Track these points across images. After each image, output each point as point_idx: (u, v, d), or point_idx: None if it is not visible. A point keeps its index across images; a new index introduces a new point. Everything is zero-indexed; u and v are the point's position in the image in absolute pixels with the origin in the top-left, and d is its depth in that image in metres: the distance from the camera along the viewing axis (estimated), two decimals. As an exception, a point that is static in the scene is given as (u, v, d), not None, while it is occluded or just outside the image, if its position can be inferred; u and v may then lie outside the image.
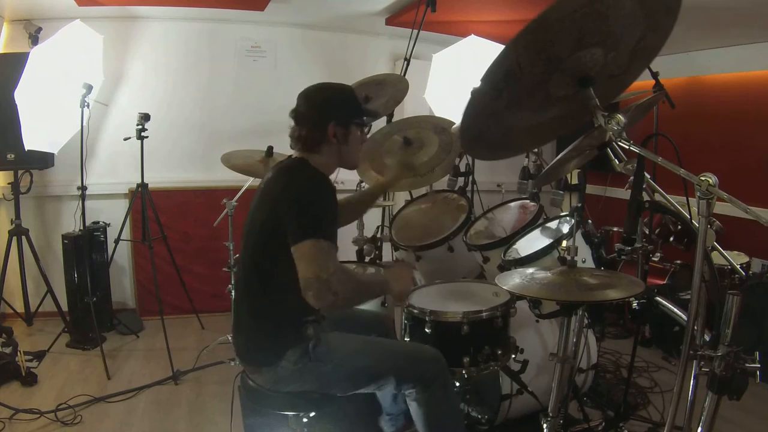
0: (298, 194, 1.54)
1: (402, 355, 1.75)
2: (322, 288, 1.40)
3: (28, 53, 2.97)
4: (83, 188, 3.10)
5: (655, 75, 2.42)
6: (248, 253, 1.64)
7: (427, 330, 1.91)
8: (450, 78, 3.18)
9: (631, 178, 1.59)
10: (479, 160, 2.71)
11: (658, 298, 1.94)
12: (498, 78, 1.21)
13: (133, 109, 3.27)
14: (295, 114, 1.76)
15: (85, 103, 2.93)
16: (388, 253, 2.85)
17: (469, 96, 1.25)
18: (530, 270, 1.64)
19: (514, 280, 1.55)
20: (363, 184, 2.80)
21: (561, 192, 2.22)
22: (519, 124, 1.44)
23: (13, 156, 3.21)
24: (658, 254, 3.31)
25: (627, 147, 1.30)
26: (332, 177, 1.74)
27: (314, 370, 1.63)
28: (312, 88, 1.78)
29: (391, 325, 2.15)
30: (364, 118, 1.80)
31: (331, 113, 1.69)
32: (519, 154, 2.27)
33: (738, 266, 2.52)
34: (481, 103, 1.28)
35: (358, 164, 1.88)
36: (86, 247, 3.40)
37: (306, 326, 1.63)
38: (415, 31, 2.95)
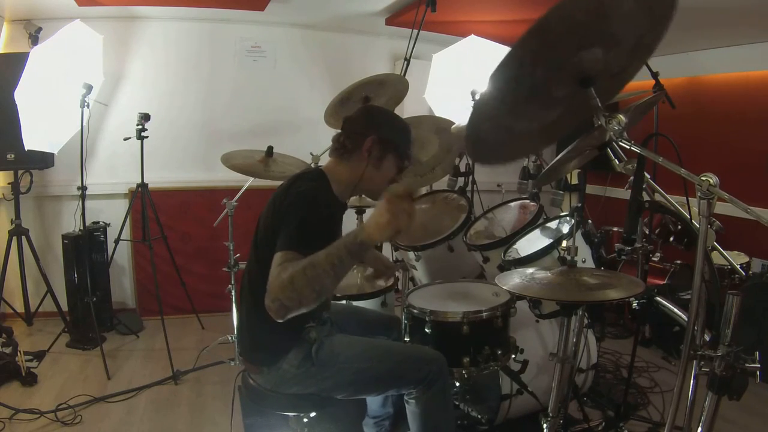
0: (289, 204, 1.52)
1: (405, 357, 1.74)
2: (268, 303, 1.32)
3: (28, 53, 2.96)
4: (83, 188, 3.10)
5: (655, 75, 2.42)
6: (255, 254, 1.65)
7: (427, 330, 1.91)
8: (450, 78, 3.18)
9: (631, 178, 1.59)
10: (486, 165, 2.71)
11: (658, 298, 1.94)
12: (502, 82, 1.21)
13: (133, 109, 3.27)
14: (345, 119, 1.74)
15: (85, 103, 2.93)
16: (388, 254, 2.85)
17: (469, 96, 1.25)
18: (530, 270, 1.64)
19: (514, 280, 1.55)
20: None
21: (561, 192, 2.22)
22: (522, 127, 1.44)
23: (13, 156, 3.21)
24: (658, 254, 3.31)
25: (628, 147, 1.30)
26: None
27: (316, 374, 1.63)
28: (374, 105, 1.77)
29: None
30: (405, 161, 1.71)
31: (376, 128, 1.66)
32: (524, 156, 2.26)
33: (738, 266, 2.52)
34: (484, 107, 1.28)
35: (379, 195, 1.73)
36: (86, 247, 3.40)
37: (308, 329, 1.64)
38: (415, 31, 2.95)
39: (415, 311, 1.96)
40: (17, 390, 2.74)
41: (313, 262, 1.31)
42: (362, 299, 2.33)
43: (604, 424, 2.24)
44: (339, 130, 1.77)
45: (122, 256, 3.85)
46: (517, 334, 2.08)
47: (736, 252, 3.20)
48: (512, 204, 2.62)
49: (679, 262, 3.22)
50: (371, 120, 1.70)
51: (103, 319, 3.51)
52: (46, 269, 3.50)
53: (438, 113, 3.25)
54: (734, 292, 1.22)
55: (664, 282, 3.12)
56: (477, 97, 1.52)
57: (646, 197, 1.77)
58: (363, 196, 2.76)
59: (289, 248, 1.39)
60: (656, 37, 1.31)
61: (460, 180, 2.82)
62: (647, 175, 1.67)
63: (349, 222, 2.65)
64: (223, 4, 3.64)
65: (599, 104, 1.30)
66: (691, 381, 1.37)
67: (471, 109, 1.27)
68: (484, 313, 1.89)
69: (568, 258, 1.57)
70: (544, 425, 1.62)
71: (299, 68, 4.21)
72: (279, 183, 1.72)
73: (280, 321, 1.33)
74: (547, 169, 1.73)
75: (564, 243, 1.91)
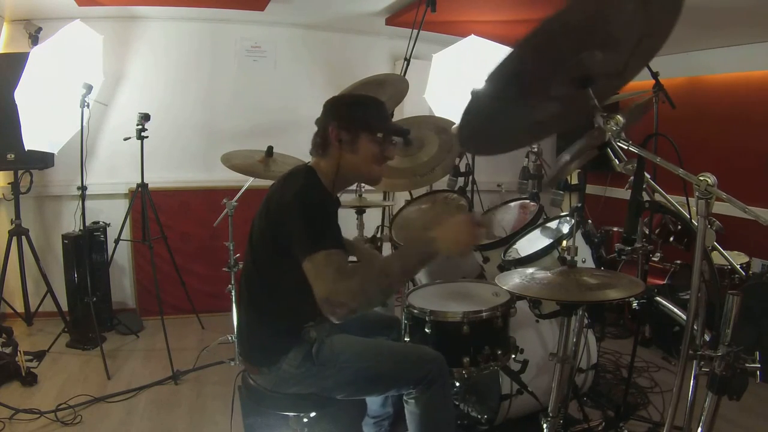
0: (287, 207, 1.52)
1: (405, 357, 1.75)
2: (329, 307, 1.35)
3: (28, 53, 2.96)
4: (83, 188, 3.10)
5: (655, 75, 2.42)
6: (251, 256, 1.66)
7: (427, 330, 1.91)
8: (450, 78, 3.18)
9: (631, 178, 1.59)
10: (475, 154, 2.70)
11: (658, 298, 1.94)
12: (501, 81, 1.21)
13: (133, 109, 3.27)
14: (318, 121, 1.73)
15: (85, 103, 2.93)
16: (387, 254, 2.85)
17: (469, 97, 1.25)
18: (530, 270, 1.64)
19: (514, 280, 1.55)
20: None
21: (561, 192, 2.22)
22: (516, 120, 1.43)
23: (13, 156, 3.21)
24: (658, 254, 3.31)
25: (626, 147, 1.30)
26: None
27: (317, 373, 1.63)
28: (336, 95, 1.75)
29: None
30: (379, 134, 1.65)
31: (333, 115, 1.65)
32: (515, 149, 2.24)
33: (738, 266, 2.52)
34: (480, 102, 1.27)
35: (375, 179, 1.72)
36: (86, 247, 3.40)
37: (308, 329, 1.64)
38: (415, 31, 2.95)
39: (415, 311, 1.96)
40: (17, 390, 2.74)
41: (387, 272, 1.37)
42: (362, 299, 2.33)
43: (604, 424, 2.24)
44: None
45: (122, 256, 3.85)
46: (517, 334, 2.08)
47: (736, 252, 3.20)
48: (512, 204, 2.62)
49: (679, 262, 3.22)
50: (329, 110, 1.68)
51: (103, 319, 3.50)
52: (46, 269, 3.50)
53: (438, 113, 3.25)
54: (734, 292, 1.22)
55: (664, 282, 3.12)
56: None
57: (646, 197, 1.77)
58: (362, 195, 2.77)
59: (321, 248, 1.39)
60: (658, 40, 1.30)
61: (460, 180, 2.82)
62: (647, 175, 1.68)
63: (350, 222, 2.65)
64: (223, 4, 3.64)
65: (597, 105, 1.30)
66: (691, 381, 1.37)
67: (467, 101, 1.26)
68: (484, 313, 1.89)
69: (568, 258, 1.57)
70: (544, 425, 1.62)
71: (299, 68, 4.21)
72: (272, 183, 1.72)
73: (339, 322, 1.38)
74: (550, 174, 1.72)
75: (564, 243, 1.91)
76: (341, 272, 1.37)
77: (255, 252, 1.63)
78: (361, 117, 1.65)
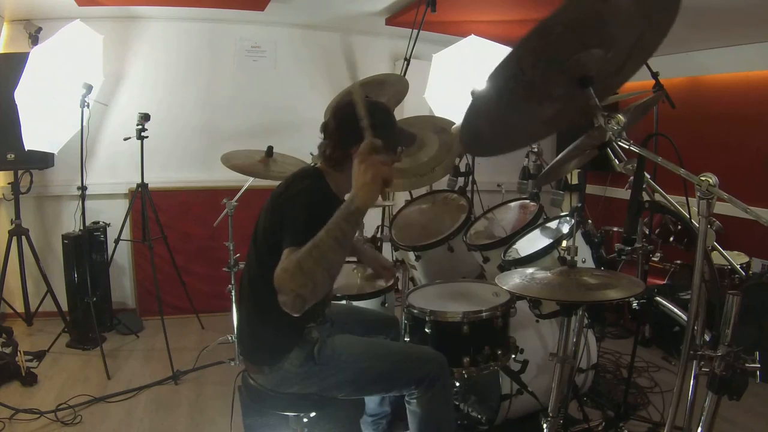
0: (290, 202, 1.53)
1: (406, 357, 1.75)
2: (280, 297, 1.30)
3: (28, 53, 2.96)
4: (83, 188, 3.10)
5: (655, 75, 2.42)
6: (254, 254, 1.65)
7: (427, 330, 1.91)
8: (450, 78, 3.18)
9: (631, 178, 1.59)
10: (477, 156, 2.71)
11: (658, 298, 1.94)
12: (500, 82, 1.21)
13: (133, 109, 3.27)
14: (324, 128, 1.67)
15: (85, 103, 2.93)
16: (388, 253, 2.85)
17: (469, 96, 1.25)
18: (530, 270, 1.64)
19: (514, 280, 1.55)
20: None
21: (561, 192, 2.22)
22: (516, 122, 1.44)
23: (13, 156, 3.21)
24: (658, 254, 3.31)
25: (627, 147, 1.30)
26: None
27: (318, 373, 1.63)
28: (343, 104, 1.68)
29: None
30: (399, 149, 1.66)
31: (357, 135, 1.50)
32: (516, 149, 2.24)
33: (738, 266, 2.52)
34: (480, 103, 1.28)
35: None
36: (86, 247, 3.40)
37: (310, 329, 1.64)
38: (415, 31, 2.96)
39: (415, 311, 1.96)
40: (17, 390, 2.74)
41: (316, 243, 1.30)
42: (362, 299, 2.33)
43: (604, 424, 2.24)
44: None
45: (122, 256, 3.85)
46: (517, 334, 2.08)
47: (736, 252, 3.20)
48: (512, 204, 2.62)
49: (679, 262, 3.22)
50: (349, 127, 1.55)
51: (103, 319, 3.50)
52: (46, 269, 3.50)
53: (438, 113, 3.25)
54: (734, 292, 1.22)
55: (664, 282, 3.12)
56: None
57: (646, 197, 1.77)
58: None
59: (293, 245, 1.38)
60: (656, 38, 1.30)
61: (460, 180, 2.82)
62: (647, 175, 1.67)
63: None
64: (223, 4, 3.65)
65: (598, 104, 1.30)
66: (691, 381, 1.37)
67: (468, 105, 1.26)
68: (484, 313, 1.89)
69: (568, 258, 1.57)
70: (544, 425, 1.62)
71: (299, 68, 4.21)
72: (279, 183, 1.72)
73: (297, 315, 1.31)
74: (547, 169, 1.73)
75: (564, 243, 1.91)
76: (285, 262, 1.33)
77: (259, 250, 1.63)
78: (382, 133, 1.56)
